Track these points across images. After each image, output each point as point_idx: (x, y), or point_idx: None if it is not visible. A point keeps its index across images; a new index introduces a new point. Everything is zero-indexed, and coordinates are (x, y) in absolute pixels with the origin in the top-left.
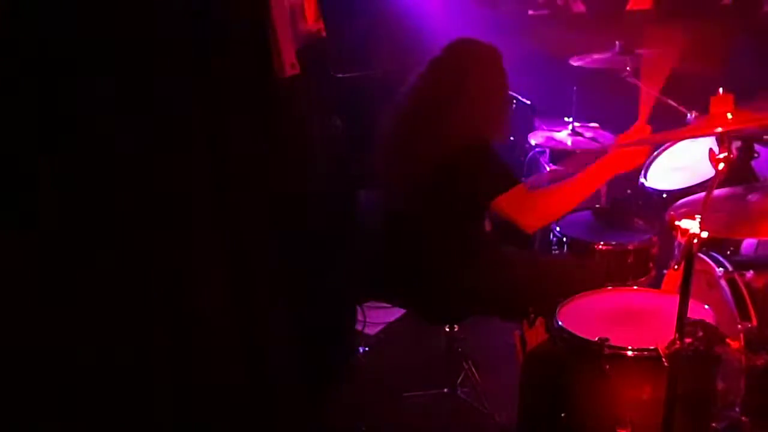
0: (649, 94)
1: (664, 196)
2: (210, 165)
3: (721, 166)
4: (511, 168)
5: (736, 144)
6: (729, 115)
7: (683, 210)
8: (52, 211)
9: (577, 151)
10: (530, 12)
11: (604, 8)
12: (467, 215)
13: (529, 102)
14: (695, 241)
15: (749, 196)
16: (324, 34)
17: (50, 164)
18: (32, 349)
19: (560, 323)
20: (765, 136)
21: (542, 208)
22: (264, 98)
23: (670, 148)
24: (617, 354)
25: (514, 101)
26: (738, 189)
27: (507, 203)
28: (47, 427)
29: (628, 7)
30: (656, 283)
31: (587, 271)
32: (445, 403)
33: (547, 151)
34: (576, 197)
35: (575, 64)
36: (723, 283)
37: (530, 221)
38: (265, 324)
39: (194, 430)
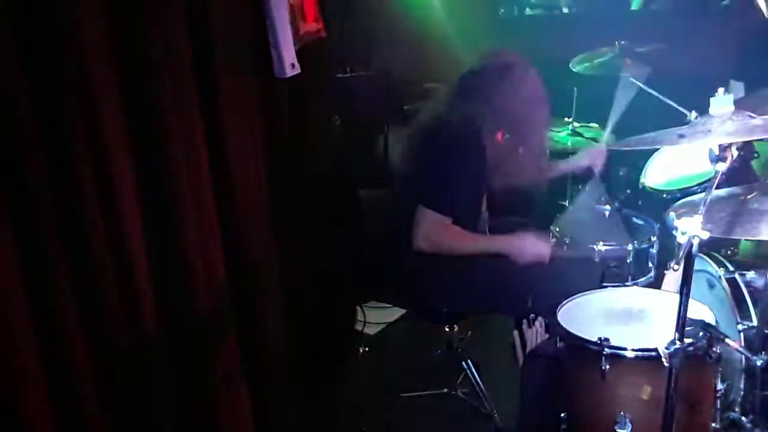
0: None
1: (664, 196)
2: (210, 165)
3: (720, 166)
4: (465, 199)
5: (736, 144)
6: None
7: (683, 210)
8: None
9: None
10: (527, 11)
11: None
12: (466, 215)
13: None
14: (695, 241)
15: (749, 196)
16: (324, 34)
17: (49, 163)
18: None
19: (560, 323)
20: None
21: (445, 246)
22: (264, 98)
23: (670, 148)
24: (617, 354)
25: None
26: (738, 189)
27: (425, 219)
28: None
29: None
30: (656, 283)
31: (587, 271)
32: (445, 403)
33: (547, 151)
34: (472, 253)
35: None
36: (723, 283)
37: (426, 246)
38: (264, 323)
39: (193, 430)
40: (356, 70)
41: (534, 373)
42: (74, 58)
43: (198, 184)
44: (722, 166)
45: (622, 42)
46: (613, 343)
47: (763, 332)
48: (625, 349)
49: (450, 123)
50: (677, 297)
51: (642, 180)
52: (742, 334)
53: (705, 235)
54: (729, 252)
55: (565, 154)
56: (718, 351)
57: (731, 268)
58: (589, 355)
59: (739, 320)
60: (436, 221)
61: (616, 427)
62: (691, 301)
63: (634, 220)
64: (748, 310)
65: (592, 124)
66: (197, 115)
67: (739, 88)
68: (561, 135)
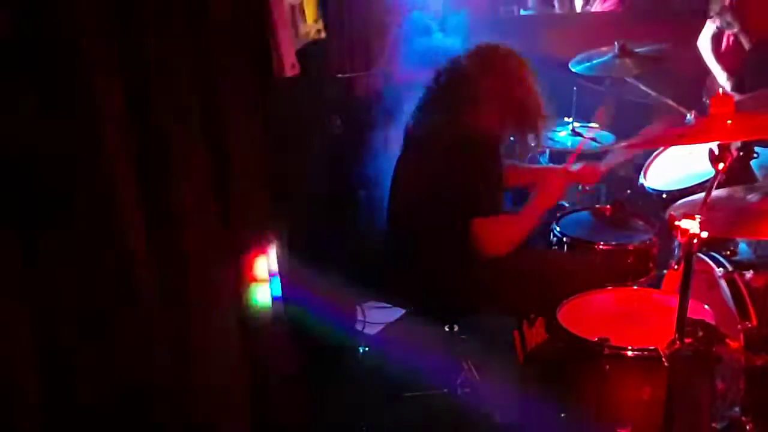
0: None
1: (664, 196)
2: (210, 165)
3: (720, 166)
4: (499, 193)
5: (736, 145)
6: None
7: (683, 210)
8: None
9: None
10: (521, 12)
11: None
12: (467, 215)
13: None
14: (695, 241)
15: (749, 196)
16: (324, 34)
17: (48, 162)
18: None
19: (560, 323)
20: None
21: (516, 239)
22: (264, 98)
23: (670, 148)
24: (617, 354)
25: None
26: (738, 189)
27: (489, 228)
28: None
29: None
30: (656, 283)
31: (587, 271)
32: (445, 403)
33: (547, 151)
34: (530, 226)
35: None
36: (723, 283)
37: (505, 249)
38: (264, 324)
39: (192, 429)
40: (356, 70)
41: (534, 373)
42: (74, 55)
43: (198, 185)
44: (722, 166)
45: (622, 42)
46: (613, 343)
47: (763, 332)
48: (625, 349)
49: (472, 140)
50: (677, 297)
51: (642, 180)
52: (742, 334)
53: (705, 235)
54: (729, 252)
55: (563, 154)
56: (718, 351)
57: (731, 268)
58: (589, 355)
59: (739, 320)
60: (496, 225)
61: (616, 427)
62: (691, 301)
63: (634, 220)
64: (748, 310)
65: (592, 124)
66: (197, 115)
67: None
68: (561, 135)
